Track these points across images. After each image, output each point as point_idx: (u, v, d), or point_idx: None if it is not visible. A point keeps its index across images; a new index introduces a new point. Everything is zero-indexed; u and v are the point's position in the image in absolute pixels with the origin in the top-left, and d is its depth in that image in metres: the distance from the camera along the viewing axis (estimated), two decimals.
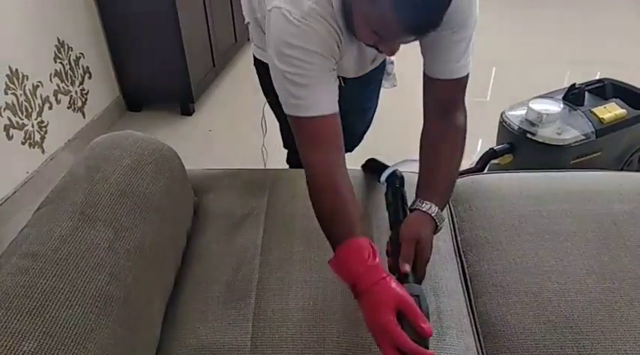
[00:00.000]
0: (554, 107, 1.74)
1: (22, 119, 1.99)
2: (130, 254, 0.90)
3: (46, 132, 2.14)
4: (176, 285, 1.04)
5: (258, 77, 1.38)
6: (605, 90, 1.88)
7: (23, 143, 2.02)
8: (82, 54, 2.33)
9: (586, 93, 1.83)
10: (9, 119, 1.93)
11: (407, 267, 0.87)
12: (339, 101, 0.96)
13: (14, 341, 0.69)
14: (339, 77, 1.02)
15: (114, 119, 2.61)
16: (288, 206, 1.21)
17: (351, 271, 0.82)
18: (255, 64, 1.36)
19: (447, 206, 1.26)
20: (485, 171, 1.83)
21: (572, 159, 1.71)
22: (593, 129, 1.70)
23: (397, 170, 1.12)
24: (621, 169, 1.88)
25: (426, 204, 0.95)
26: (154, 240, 0.98)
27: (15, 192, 2.00)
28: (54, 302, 0.75)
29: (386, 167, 1.15)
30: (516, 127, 1.76)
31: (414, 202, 0.98)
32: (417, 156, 1.06)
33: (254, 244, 1.12)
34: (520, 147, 1.76)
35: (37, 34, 2.06)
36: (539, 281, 1.03)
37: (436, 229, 0.95)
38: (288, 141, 1.57)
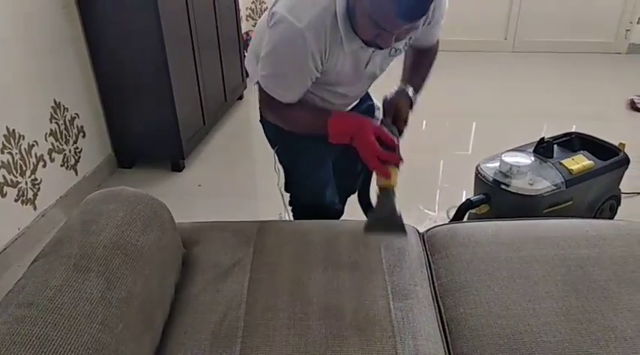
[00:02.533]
0: (525, 159, 1.84)
1: (16, 177, 2.05)
2: (121, 303, 0.95)
3: (38, 190, 2.19)
4: (164, 334, 1.08)
5: (264, 130, 1.53)
6: (572, 143, 2.00)
7: (16, 200, 2.07)
8: (77, 114, 2.43)
9: (555, 146, 1.94)
10: (3, 177, 1.99)
11: (389, 119, 1.27)
12: (336, 160, 1.40)
13: None
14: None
15: (105, 176, 2.68)
16: (274, 256, 1.27)
17: (342, 125, 1.20)
18: (261, 120, 1.51)
19: (425, 253, 1.33)
20: (465, 220, 1.91)
21: (545, 209, 1.80)
22: (563, 180, 1.80)
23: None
24: (594, 217, 1.97)
25: (406, 86, 1.34)
26: (144, 290, 1.03)
27: (5, 248, 2.03)
28: (49, 350, 0.79)
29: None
30: (491, 179, 1.85)
31: (399, 86, 1.34)
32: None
33: (240, 293, 1.16)
34: (495, 198, 1.85)
35: (34, 95, 2.16)
36: (512, 324, 1.08)
37: (411, 106, 1.33)
38: (291, 187, 1.64)
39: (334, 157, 1.55)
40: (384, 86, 1.46)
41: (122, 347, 0.90)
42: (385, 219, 1.24)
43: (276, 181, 1.60)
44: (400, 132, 1.28)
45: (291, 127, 1.32)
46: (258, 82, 1.28)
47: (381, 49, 1.15)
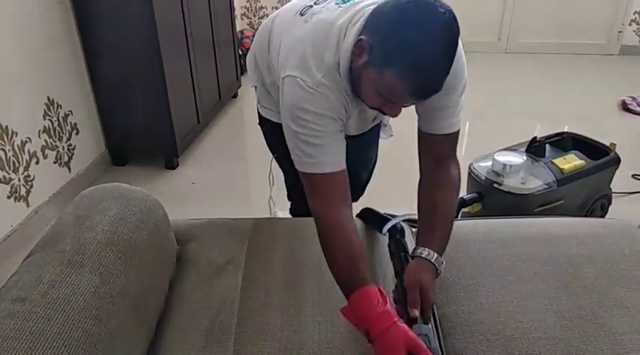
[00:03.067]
0: (518, 159, 1.86)
1: (8, 173, 2.05)
2: (115, 299, 0.95)
3: (31, 187, 2.19)
4: (158, 330, 1.08)
5: (264, 134, 1.49)
6: (564, 142, 2.02)
7: (9, 197, 2.07)
8: (70, 111, 2.42)
9: (547, 145, 1.96)
10: None
11: (416, 312, 0.95)
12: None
13: None
14: None
15: (99, 173, 2.67)
16: (267, 253, 1.27)
17: (364, 317, 0.91)
18: (260, 123, 1.47)
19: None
20: (458, 218, 1.92)
21: (537, 207, 1.81)
22: (555, 179, 1.82)
23: (398, 222, 1.22)
24: (585, 216, 1.99)
25: (426, 250, 1.03)
26: (138, 286, 1.03)
27: None
28: (42, 344, 0.79)
29: (387, 219, 1.24)
30: (484, 178, 1.87)
31: (414, 250, 1.06)
32: (415, 211, 1.16)
33: (234, 290, 1.17)
34: (488, 196, 1.87)
35: (28, 92, 2.15)
36: (503, 320, 1.09)
37: (437, 273, 1.03)
38: (292, 193, 1.63)
39: None
40: None
41: (116, 342, 0.90)
42: None
43: (268, 193, 1.57)
44: (426, 322, 0.96)
45: (323, 240, 1.05)
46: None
47: (385, 114, 1.06)
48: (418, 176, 1.18)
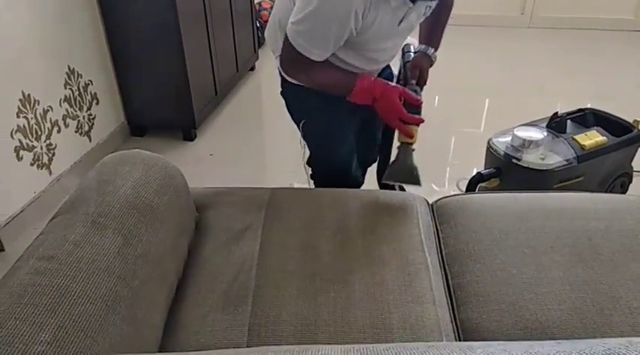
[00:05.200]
0: (538, 134, 1.83)
1: (31, 141, 2.09)
2: (137, 260, 0.97)
3: (53, 155, 2.23)
4: (177, 293, 1.11)
5: (287, 101, 1.54)
6: (586, 118, 1.98)
7: (32, 164, 2.11)
8: (90, 81, 2.44)
9: (568, 121, 1.93)
10: (19, 141, 2.02)
11: (413, 81, 1.39)
12: (358, 131, 1.52)
13: (32, 331, 0.76)
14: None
15: (118, 143, 2.71)
16: (284, 221, 1.29)
17: (367, 89, 1.25)
18: (282, 92, 1.51)
19: (433, 222, 1.34)
20: (475, 192, 1.92)
21: (556, 184, 1.79)
22: (575, 155, 1.79)
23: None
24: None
25: (428, 48, 1.44)
26: (159, 249, 1.06)
27: (22, 211, 2.07)
28: (68, 300, 0.82)
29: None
30: (502, 153, 1.85)
31: (418, 47, 1.45)
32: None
33: (251, 256, 1.19)
34: (506, 172, 1.85)
35: (49, 61, 2.17)
36: (518, 291, 1.10)
37: (432, 63, 1.45)
38: (314, 160, 1.66)
39: (357, 128, 1.56)
40: None
41: (139, 302, 0.93)
42: (404, 170, 1.35)
43: (301, 156, 1.62)
44: (421, 89, 1.41)
45: (316, 85, 1.33)
46: (284, 42, 1.25)
47: None
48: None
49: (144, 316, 0.95)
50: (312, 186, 1.68)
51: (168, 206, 1.13)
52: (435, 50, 1.46)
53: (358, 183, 1.69)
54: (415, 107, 1.30)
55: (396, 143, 1.38)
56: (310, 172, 1.68)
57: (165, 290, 1.06)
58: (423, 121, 1.30)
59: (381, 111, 1.28)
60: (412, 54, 1.49)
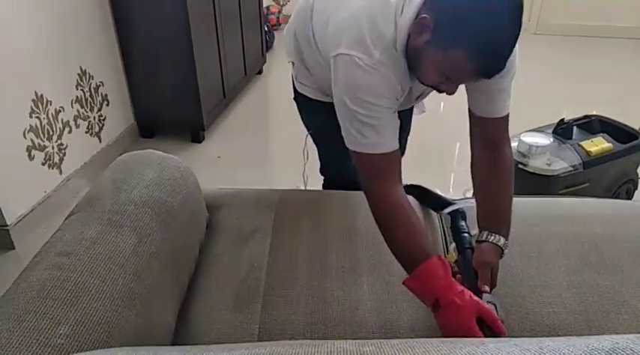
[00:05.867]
0: (544, 140, 1.85)
1: (43, 141, 2.12)
2: (151, 258, 1.00)
3: (64, 155, 2.26)
4: (189, 291, 1.13)
5: (299, 110, 1.48)
6: (592, 125, 2.00)
7: (43, 164, 2.14)
8: (101, 82, 2.48)
9: (574, 127, 1.95)
10: (32, 141, 2.05)
11: (486, 288, 1.02)
12: None
13: (52, 325, 0.78)
14: None
15: (127, 144, 2.74)
16: (294, 223, 1.31)
17: (433, 288, 0.95)
18: (295, 99, 1.47)
19: (441, 225, 1.36)
20: None
21: (561, 189, 1.81)
22: (581, 161, 1.81)
23: (460, 207, 1.28)
24: None
25: (495, 236, 1.09)
26: (172, 247, 1.08)
27: (32, 210, 2.10)
28: (85, 295, 0.85)
29: (446, 201, 1.33)
30: None
31: (482, 234, 1.11)
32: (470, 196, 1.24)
33: (261, 256, 1.21)
34: None
35: (61, 62, 2.21)
36: (524, 294, 1.11)
37: (502, 255, 1.10)
38: (326, 169, 1.62)
39: None
40: None
41: (153, 298, 0.95)
42: None
43: (302, 168, 1.60)
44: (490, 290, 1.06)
45: (381, 221, 1.07)
46: (354, 160, 1.08)
47: (441, 92, 1.03)
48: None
49: (157, 313, 0.97)
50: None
51: (181, 206, 1.15)
52: (505, 238, 1.09)
53: None
54: (492, 327, 0.93)
55: None
56: (322, 183, 1.67)
57: (178, 288, 1.08)
58: (505, 335, 0.94)
59: (443, 324, 0.95)
60: (467, 235, 1.16)
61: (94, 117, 2.46)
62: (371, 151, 1.03)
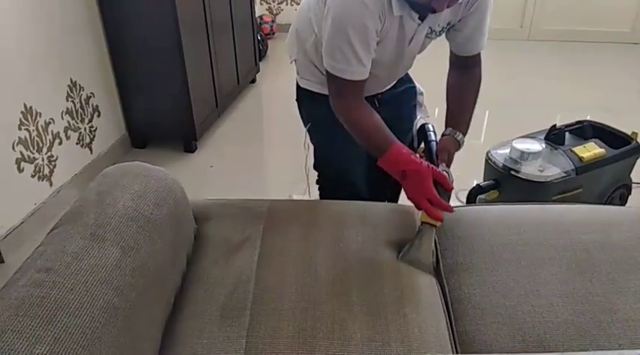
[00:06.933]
0: (536, 146, 1.84)
1: (32, 153, 2.10)
2: (135, 272, 0.98)
3: (54, 167, 2.24)
4: (175, 304, 1.11)
5: (300, 108, 1.58)
6: (584, 130, 1.99)
7: (33, 176, 2.12)
8: (92, 93, 2.47)
9: (567, 133, 1.94)
10: (21, 153, 2.03)
11: (444, 165, 1.33)
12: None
13: (28, 344, 0.76)
14: (373, 99, 1.45)
15: (119, 155, 2.72)
16: (283, 233, 1.29)
17: (400, 162, 1.21)
18: (297, 98, 1.56)
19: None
20: (475, 204, 1.92)
21: (554, 195, 1.80)
22: (574, 167, 1.80)
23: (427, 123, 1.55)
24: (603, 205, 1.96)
25: (456, 132, 1.37)
26: (157, 261, 1.06)
27: (22, 222, 2.08)
28: (65, 312, 0.83)
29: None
30: (501, 165, 1.86)
31: (447, 129, 1.39)
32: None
33: (249, 268, 1.19)
34: (505, 184, 1.86)
35: (51, 73, 2.19)
36: (515, 304, 1.10)
37: (458, 148, 1.38)
38: (320, 164, 1.66)
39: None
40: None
41: (136, 314, 0.93)
42: (423, 251, 1.23)
43: (304, 162, 1.63)
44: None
45: (353, 130, 1.29)
46: (327, 78, 1.27)
47: (434, 12, 1.15)
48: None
49: (141, 328, 0.95)
50: (309, 195, 1.68)
51: (167, 218, 1.14)
52: (464, 135, 1.39)
53: (360, 198, 1.68)
54: (446, 192, 1.22)
55: (417, 222, 1.30)
56: (316, 179, 1.69)
57: (163, 302, 1.06)
58: (453, 211, 1.23)
59: (408, 189, 1.21)
60: (432, 133, 1.46)
61: (85, 129, 2.44)
62: (348, 78, 1.21)
